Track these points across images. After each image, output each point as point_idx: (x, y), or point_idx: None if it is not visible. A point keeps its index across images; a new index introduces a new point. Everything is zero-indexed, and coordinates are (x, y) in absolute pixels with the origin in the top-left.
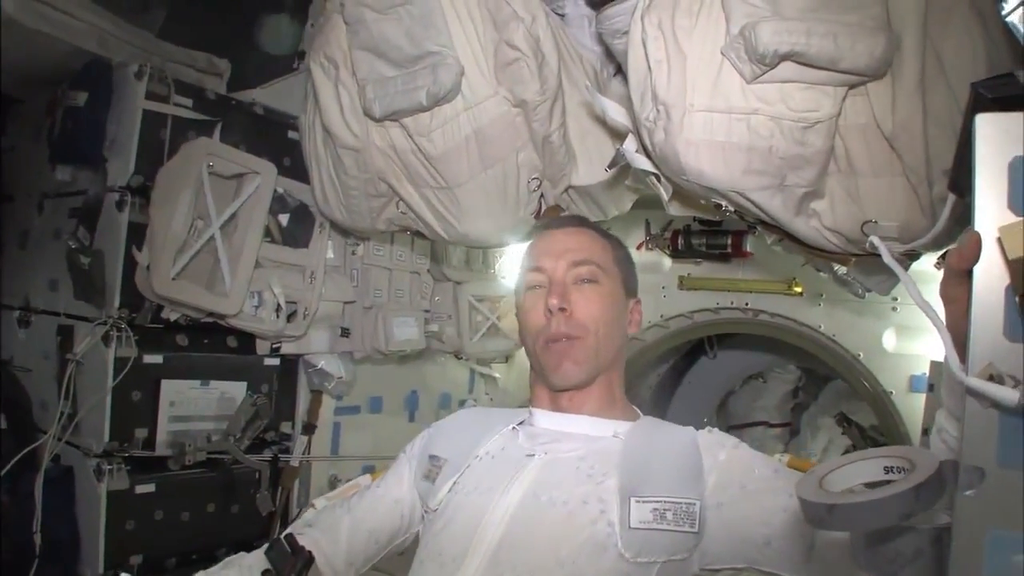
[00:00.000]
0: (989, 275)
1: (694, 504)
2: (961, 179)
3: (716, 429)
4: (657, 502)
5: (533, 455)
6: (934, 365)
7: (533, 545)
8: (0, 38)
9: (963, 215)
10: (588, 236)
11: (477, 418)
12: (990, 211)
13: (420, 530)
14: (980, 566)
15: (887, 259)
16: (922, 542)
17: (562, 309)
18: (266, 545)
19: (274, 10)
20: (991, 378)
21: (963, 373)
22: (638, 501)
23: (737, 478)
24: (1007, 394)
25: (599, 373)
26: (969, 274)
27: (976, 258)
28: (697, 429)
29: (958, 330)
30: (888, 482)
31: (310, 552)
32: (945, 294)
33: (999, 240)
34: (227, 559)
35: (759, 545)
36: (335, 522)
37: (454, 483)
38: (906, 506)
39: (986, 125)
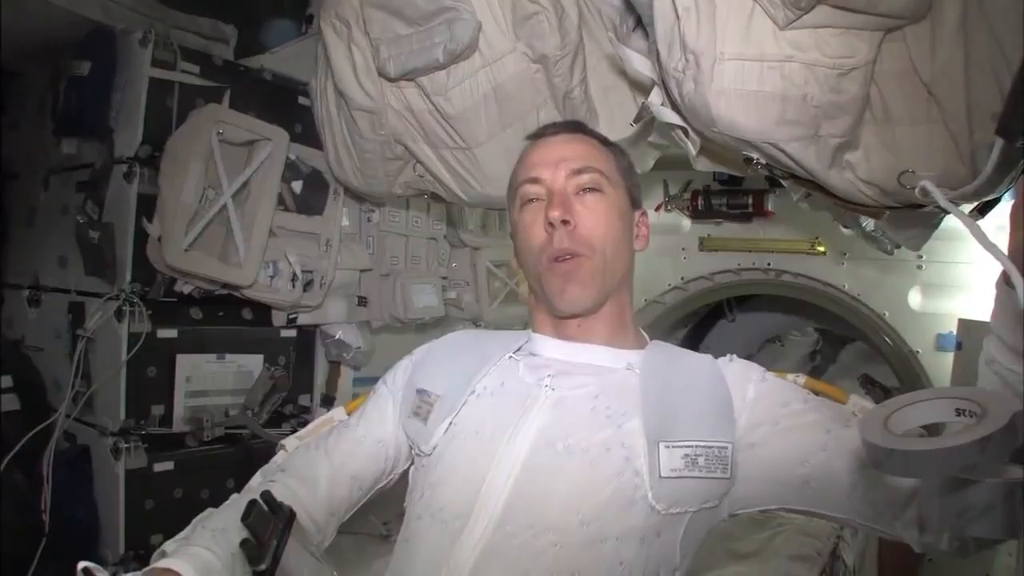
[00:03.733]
0: None
1: (726, 448)
2: (1015, 121)
3: (736, 357)
4: (688, 447)
5: (540, 391)
6: (962, 323)
7: (550, 502)
8: None
9: (1007, 161)
10: (588, 143)
11: (468, 344)
12: None
13: (411, 473)
14: None
15: (944, 203)
16: (993, 496)
17: (565, 222)
18: (243, 511)
19: None
20: None
21: None
22: (667, 446)
23: (769, 415)
24: None
25: (608, 296)
26: None
27: None
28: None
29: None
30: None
31: (290, 508)
32: (1015, 219)
33: None
34: (194, 520)
35: (796, 485)
36: (313, 469)
37: (450, 424)
38: (969, 458)
39: None
